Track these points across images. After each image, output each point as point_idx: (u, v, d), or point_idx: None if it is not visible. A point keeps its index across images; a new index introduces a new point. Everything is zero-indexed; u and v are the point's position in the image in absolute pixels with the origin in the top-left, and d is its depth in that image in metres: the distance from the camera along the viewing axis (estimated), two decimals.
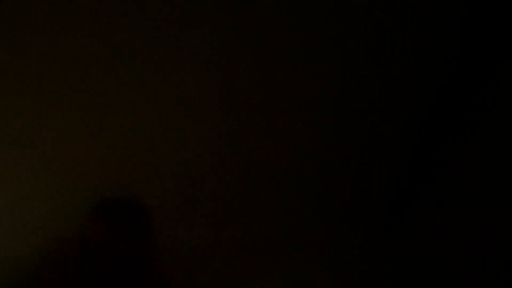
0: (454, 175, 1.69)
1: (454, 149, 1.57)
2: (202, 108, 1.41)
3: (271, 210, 2.01)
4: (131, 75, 1.28)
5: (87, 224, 1.30)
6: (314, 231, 2.15)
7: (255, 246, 2.14)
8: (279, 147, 1.60)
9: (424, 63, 1.26)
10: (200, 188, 1.82)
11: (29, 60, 1.22)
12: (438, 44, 1.20)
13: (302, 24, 1.14)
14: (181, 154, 1.61)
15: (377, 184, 1.82)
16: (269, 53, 1.23)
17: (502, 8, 1.09)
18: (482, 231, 1.69)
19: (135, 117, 1.44)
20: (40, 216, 1.87)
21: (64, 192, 1.74)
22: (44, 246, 1.25)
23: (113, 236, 1.27)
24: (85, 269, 1.17)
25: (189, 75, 1.29)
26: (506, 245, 1.58)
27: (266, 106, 1.41)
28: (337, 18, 1.13)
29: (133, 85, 1.31)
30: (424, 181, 1.76)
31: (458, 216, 1.79)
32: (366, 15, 1.12)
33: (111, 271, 1.19)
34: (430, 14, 1.12)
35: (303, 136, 1.54)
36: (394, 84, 1.34)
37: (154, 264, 1.29)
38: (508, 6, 1.07)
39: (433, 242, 1.94)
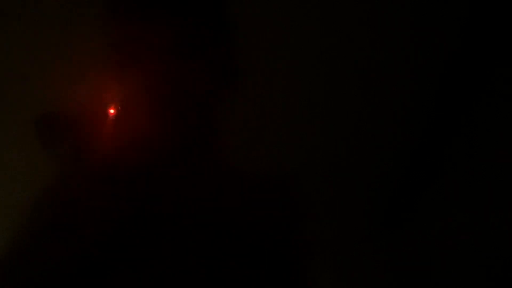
0: (454, 175, 1.69)
1: (455, 149, 1.57)
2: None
3: None
4: None
5: None
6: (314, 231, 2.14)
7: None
8: (276, 146, 1.60)
9: (425, 61, 1.26)
10: None
11: None
12: (438, 43, 1.20)
13: (301, 23, 1.14)
14: None
15: (377, 183, 1.82)
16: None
17: (502, 8, 1.09)
18: (482, 231, 1.69)
19: None
20: None
21: None
22: None
23: None
24: None
25: None
26: (506, 245, 1.58)
27: (265, 104, 1.41)
28: (337, 17, 1.13)
29: None
30: (425, 181, 1.76)
31: (458, 216, 1.79)
32: (366, 15, 1.12)
33: None
34: (430, 13, 1.12)
35: (299, 135, 1.54)
36: (395, 83, 1.34)
37: None
38: (508, 6, 1.07)
39: (433, 242, 1.93)
